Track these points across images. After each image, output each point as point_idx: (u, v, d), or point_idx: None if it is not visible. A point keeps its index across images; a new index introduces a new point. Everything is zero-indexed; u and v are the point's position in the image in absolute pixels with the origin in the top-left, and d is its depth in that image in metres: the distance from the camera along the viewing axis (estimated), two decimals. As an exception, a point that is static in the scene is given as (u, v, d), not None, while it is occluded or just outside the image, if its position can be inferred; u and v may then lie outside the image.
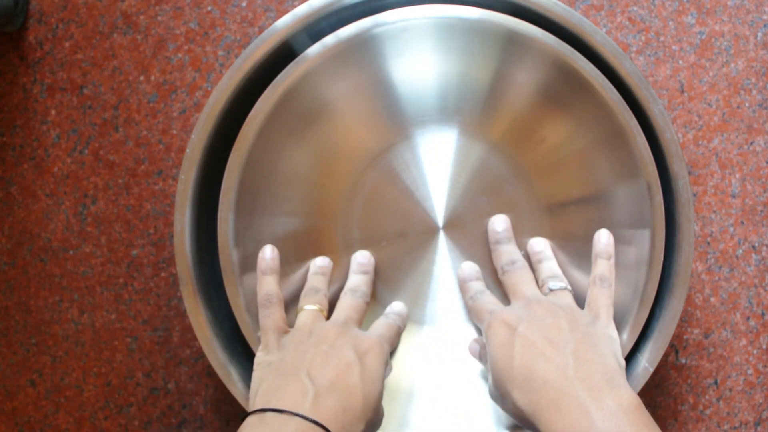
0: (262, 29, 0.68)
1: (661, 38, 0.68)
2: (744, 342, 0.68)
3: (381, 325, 0.60)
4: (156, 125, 0.68)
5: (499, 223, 0.62)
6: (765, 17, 0.68)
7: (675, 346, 0.68)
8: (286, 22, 0.59)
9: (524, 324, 0.56)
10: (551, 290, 0.59)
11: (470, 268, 0.62)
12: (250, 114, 0.59)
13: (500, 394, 0.56)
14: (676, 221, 0.59)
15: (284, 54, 0.60)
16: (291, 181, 0.61)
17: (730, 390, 0.68)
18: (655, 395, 0.68)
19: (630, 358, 0.60)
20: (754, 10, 0.67)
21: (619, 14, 0.67)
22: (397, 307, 0.62)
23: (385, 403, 0.61)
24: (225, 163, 0.59)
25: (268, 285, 0.60)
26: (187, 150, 0.59)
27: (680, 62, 0.68)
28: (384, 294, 0.63)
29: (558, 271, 0.61)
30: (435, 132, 0.61)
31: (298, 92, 0.59)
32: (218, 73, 0.68)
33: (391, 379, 0.62)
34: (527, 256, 0.62)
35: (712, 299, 0.68)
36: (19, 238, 0.69)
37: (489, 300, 0.61)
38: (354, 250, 0.62)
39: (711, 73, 0.68)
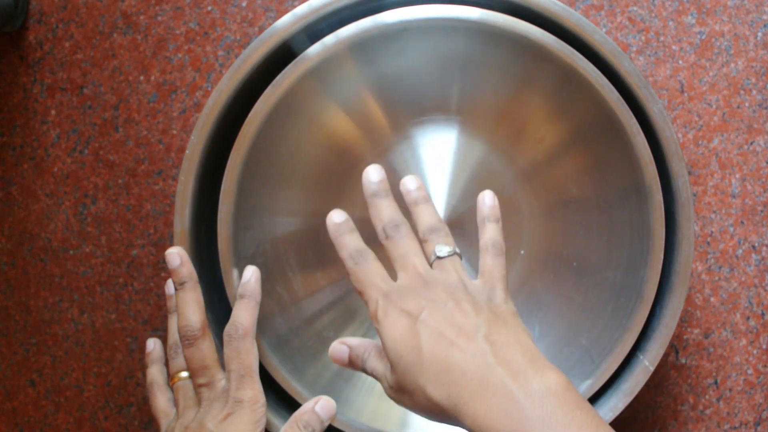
0: (262, 29, 0.68)
1: (661, 38, 0.68)
2: (744, 342, 0.68)
3: (232, 357, 0.57)
4: (156, 125, 0.68)
5: (374, 172, 0.56)
6: (765, 17, 0.68)
7: (675, 346, 0.68)
8: (286, 22, 0.59)
9: (426, 311, 0.50)
10: (438, 257, 0.54)
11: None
12: (250, 114, 0.59)
13: (408, 390, 0.51)
14: (676, 220, 0.59)
15: (284, 54, 0.60)
16: (291, 181, 0.61)
17: (730, 390, 0.68)
18: (655, 395, 0.68)
19: (630, 357, 0.60)
20: (754, 10, 0.67)
21: (619, 14, 0.68)
22: (245, 276, 0.59)
23: (385, 404, 0.61)
24: (225, 163, 0.59)
25: (150, 375, 0.61)
26: (187, 151, 0.59)
27: (680, 62, 0.68)
28: (384, 294, 0.62)
29: (439, 221, 0.55)
30: (435, 132, 0.61)
31: (298, 92, 0.59)
32: (218, 73, 0.68)
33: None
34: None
35: (712, 299, 0.68)
36: (19, 238, 0.69)
37: (377, 271, 0.54)
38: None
39: (711, 73, 0.68)
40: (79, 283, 0.69)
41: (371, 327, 0.62)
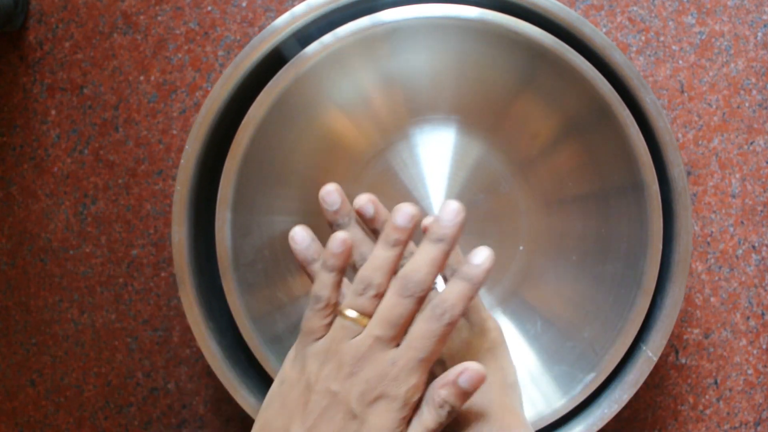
0: (262, 29, 0.68)
1: (661, 38, 0.67)
2: (744, 342, 0.68)
3: (416, 337, 0.47)
4: (156, 125, 0.68)
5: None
6: (765, 17, 0.67)
7: (675, 346, 0.68)
8: (285, 21, 0.59)
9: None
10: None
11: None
12: (243, 121, 0.59)
13: None
14: (673, 210, 0.59)
15: (282, 54, 0.60)
16: (288, 182, 0.61)
17: (730, 390, 0.68)
18: (655, 395, 0.68)
19: (633, 348, 0.60)
20: (754, 10, 0.67)
21: (619, 14, 0.67)
22: (477, 259, 0.48)
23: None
24: (222, 167, 0.59)
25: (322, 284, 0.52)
26: (182, 160, 0.59)
27: (680, 62, 0.68)
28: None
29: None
30: (433, 131, 0.61)
31: (294, 93, 0.59)
32: (218, 73, 0.68)
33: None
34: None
35: (712, 299, 0.68)
36: (19, 238, 0.69)
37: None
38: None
39: (711, 73, 0.68)
40: (79, 283, 0.69)
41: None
